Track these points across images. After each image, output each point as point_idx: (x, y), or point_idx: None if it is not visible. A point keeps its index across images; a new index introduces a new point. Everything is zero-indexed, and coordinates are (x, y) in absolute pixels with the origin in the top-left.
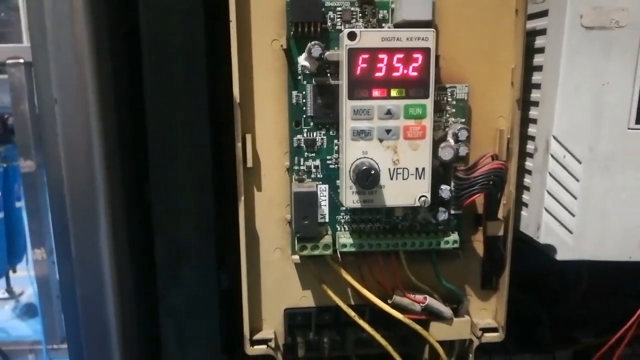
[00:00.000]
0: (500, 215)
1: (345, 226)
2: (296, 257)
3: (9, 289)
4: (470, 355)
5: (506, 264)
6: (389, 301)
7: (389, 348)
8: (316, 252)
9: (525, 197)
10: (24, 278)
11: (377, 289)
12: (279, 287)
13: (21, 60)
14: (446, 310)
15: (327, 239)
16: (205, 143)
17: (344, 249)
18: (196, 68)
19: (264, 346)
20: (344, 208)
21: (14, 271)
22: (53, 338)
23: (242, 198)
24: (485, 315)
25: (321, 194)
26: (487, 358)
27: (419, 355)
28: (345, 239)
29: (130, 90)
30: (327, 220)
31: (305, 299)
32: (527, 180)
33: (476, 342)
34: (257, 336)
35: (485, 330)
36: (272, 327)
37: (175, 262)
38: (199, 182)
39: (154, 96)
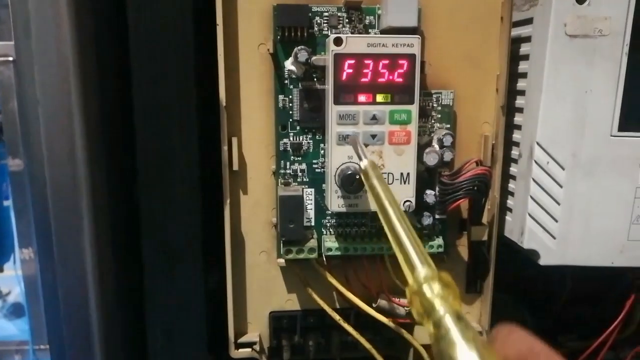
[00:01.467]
0: (484, 220)
1: (331, 230)
2: (281, 261)
3: None
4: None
5: (490, 268)
6: (374, 305)
7: (374, 351)
8: (301, 256)
9: (510, 202)
10: (11, 277)
11: (363, 293)
12: (264, 290)
13: (10, 58)
14: None
15: (313, 243)
16: (193, 145)
17: (330, 253)
18: (185, 70)
19: (249, 349)
20: (329, 212)
21: (1, 270)
22: (40, 338)
23: (228, 201)
24: (469, 319)
25: (307, 198)
26: None
27: (404, 358)
28: (330, 242)
29: (118, 92)
30: (312, 224)
31: (290, 302)
32: (511, 185)
33: None
34: (242, 339)
35: None
36: (257, 330)
37: (164, 263)
38: (187, 184)
39: (143, 98)
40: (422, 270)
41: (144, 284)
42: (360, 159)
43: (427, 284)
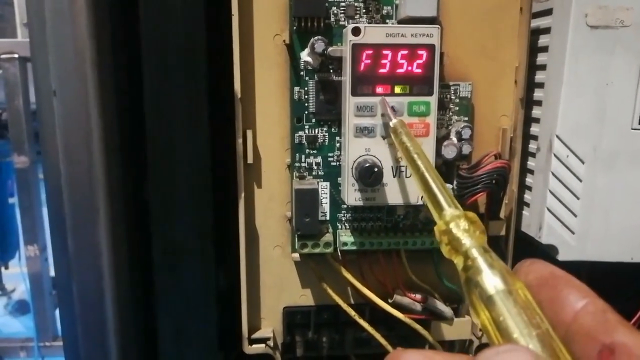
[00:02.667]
0: (501, 215)
1: (346, 224)
2: (296, 255)
3: (0, 286)
4: (470, 355)
5: (507, 263)
6: (390, 300)
7: (389, 348)
8: (317, 250)
9: (527, 197)
10: (17, 275)
11: (378, 288)
12: (278, 286)
13: (15, 55)
14: (447, 310)
15: (328, 237)
16: (204, 140)
17: (345, 248)
18: (197, 63)
19: (263, 345)
20: (345, 206)
21: (6, 268)
22: (45, 335)
23: (242, 195)
24: None
25: (322, 192)
26: None
27: None
28: (346, 237)
29: (129, 86)
30: (327, 218)
31: (304, 298)
32: (529, 179)
33: (476, 342)
34: (256, 335)
35: None
36: (271, 325)
37: (173, 260)
38: (198, 180)
39: (153, 92)
40: (449, 210)
41: (153, 281)
42: (390, 119)
43: (455, 222)
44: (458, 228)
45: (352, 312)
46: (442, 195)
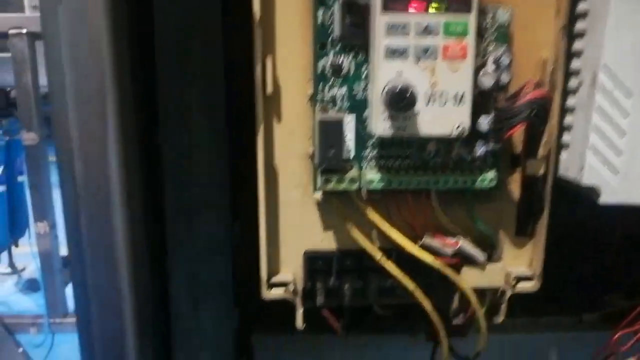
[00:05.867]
0: (540, 154)
1: (373, 162)
2: (318, 195)
3: (11, 264)
4: (502, 306)
5: (545, 206)
6: (419, 243)
7: (417, 292)
8: (341, 187)
9: (566, 138)
10: (27, 254)
11: (405, 232)
12: (299, 228)
13: (24, 31)
14: (479, 254)
15: (353, 173)
16: (219, 82)
17: (371, 186)
18: None
19: (282, 290)
20: (371, 142)
21: (16, 246)
22: (55, 312)
23: (262, 128)
24: (519, 264)
25: (347, 126)
26: (510, 320)
27: (444, 308)
28: (372, 174)
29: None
30: (352, 155)
31: (326, 242)
32: (568, 118)
33: (509, 292)
34: (275, 279)
35: (519, 279)
36: (291, 270)
37: (187, 209)
38: (213, 126)
39: (165, 28)
40: None
41: (166, 232)
42: None
43: None
44: None
45: (378, 254)
46: None
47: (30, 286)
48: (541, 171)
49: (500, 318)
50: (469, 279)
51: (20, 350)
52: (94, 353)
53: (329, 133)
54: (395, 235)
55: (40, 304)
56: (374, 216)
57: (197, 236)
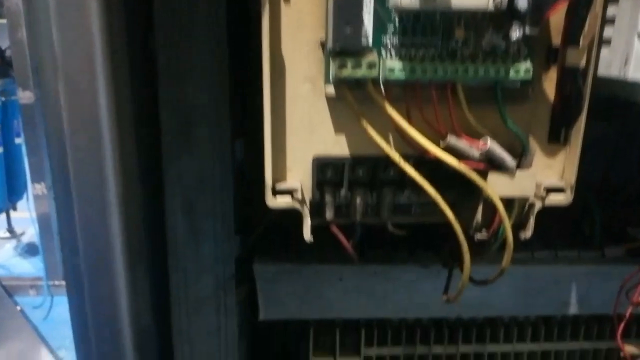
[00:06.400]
0: (582, 42)
1: (393, 51)
2: (330, 90)
3: (10, 229)
4: (530, 219)
5: (584, 106)
6: (442, 144)
7: (439, 199)
8: (359, 73)
9: (607, 33)
10: (25, 219)
11: (427, 133)
12: (307, 129)
13: None
14: (509, 159)
15: (372, 57)
16: None
17: (392, 76)
18: None
19: (288, 197)
20: (392, 26)
21: (15, 209)
22: (54, 274)
23: (267, 9)
24: (550, 175)
25: (365, 3)
26: (530, 254)
27: (467, 223)
28: (393, 62)
29: None
30: (370, 42)
31: (338, 146)
32: (611, 10)
33: (538, 204)
34: (281, 186)
35: (550, 190)
36: (298, 178)
37: (183, 127)
38: (212, 34)
39: None
40: None
41: (161, 153)
42: None
43: None
44: None
45: (396, 157)
46: None
47: (30, 250)
48: (582, 62)
49: (528, 232)
50: (496, 188)
51: (19, 308)
52: (80, 275)
53: (346, 8)
54: (415, 135)
55: (39, 267)
56: (392, 112)
57: (195, 157)
